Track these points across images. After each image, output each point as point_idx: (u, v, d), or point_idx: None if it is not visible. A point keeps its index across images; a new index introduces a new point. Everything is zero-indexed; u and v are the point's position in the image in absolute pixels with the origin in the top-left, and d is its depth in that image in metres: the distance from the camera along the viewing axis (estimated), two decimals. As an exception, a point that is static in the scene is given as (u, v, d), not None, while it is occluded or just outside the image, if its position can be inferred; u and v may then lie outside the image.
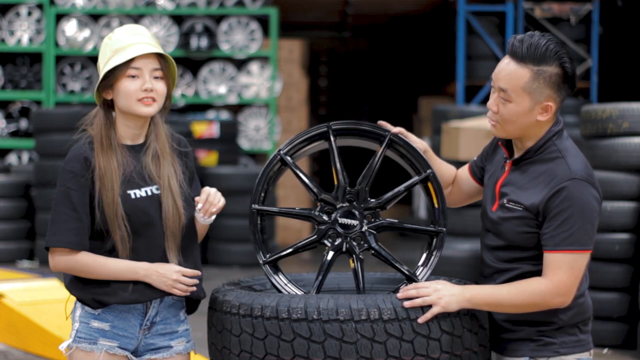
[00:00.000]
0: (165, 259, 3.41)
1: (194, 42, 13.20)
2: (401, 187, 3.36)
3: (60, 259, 3.37)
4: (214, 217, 3.46)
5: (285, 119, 13.90)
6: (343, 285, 3.72)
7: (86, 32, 13.23)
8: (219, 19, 13.39)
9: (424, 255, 3.37)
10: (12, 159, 13.30)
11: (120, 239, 3.36)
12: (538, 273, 3.19)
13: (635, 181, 7.25)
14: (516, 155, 3.31)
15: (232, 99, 13.43)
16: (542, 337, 3.24)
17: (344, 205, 3.35)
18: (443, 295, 3.12)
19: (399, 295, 3.13)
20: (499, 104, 3.24)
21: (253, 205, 3.36)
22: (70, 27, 13.20)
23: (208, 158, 12.55)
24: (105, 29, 13.24)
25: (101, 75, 3.40)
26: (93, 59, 13.28)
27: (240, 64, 13.48)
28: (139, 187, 3.41)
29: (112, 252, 3.38)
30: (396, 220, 3.39)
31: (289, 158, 3.38)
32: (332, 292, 3.55)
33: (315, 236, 3.35)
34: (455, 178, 3.59)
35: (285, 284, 3.36)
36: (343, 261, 3.44)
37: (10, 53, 13.39)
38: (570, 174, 3.16)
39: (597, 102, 12.16)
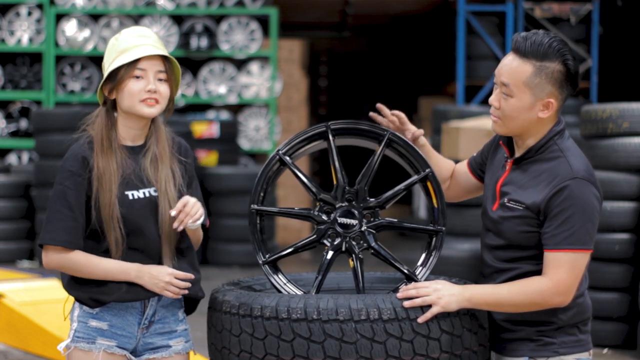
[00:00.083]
0: (160, 262, 3.41)
1: (194, 42, 13.19)
2: (400, 186, 3.36)
3: (53, 257, 3.38)
4: (199, 222, 3.40)
5: (285, 119, 13.89)
6: (343, 285, 3.72)
7: (86, 32, 13.22)
8: (219, 19, 13.38)
9: (424, 255, 3.37)
10: (12, 159, 13.29)
11: (115, 241, 3.36)
12: (538, 273, 3.19)
13: (635, 181, 7.24)
14: (517, 154, 3.30)
15: (232, 99, 13.42)
16: (541, 337, 3.23)
17: (343, 204, 3.34)
18: (443, 295, 3.12)
19: (399, 295, 3.13)
20: (500, 99, 3.24)
21: (252, 206, 3.35)
22: (70, 27, 13.20)
23: (208, 158, 12.54)
24: (105, 29, 13.23)
25: (105, 74, 3.41)
26: (93, 59, 13.28)
27: (240, 64, 13.48)
28: (137, 189, 3.42)
29: (107, 253, 3.38)
30: (395, 220, 3.39)
31: (287, 158, 3.37)
32: (332, 292, 3.55)
33: (315, 236, 3.35)
34: (454, 173, 3.59)
35: (285, 284, 3.35)
36: (343, 261, 3.43)
37: (10, 53, 13.38)
38: (572, 173, 3.16)
39: (597, 102, 12.16)
